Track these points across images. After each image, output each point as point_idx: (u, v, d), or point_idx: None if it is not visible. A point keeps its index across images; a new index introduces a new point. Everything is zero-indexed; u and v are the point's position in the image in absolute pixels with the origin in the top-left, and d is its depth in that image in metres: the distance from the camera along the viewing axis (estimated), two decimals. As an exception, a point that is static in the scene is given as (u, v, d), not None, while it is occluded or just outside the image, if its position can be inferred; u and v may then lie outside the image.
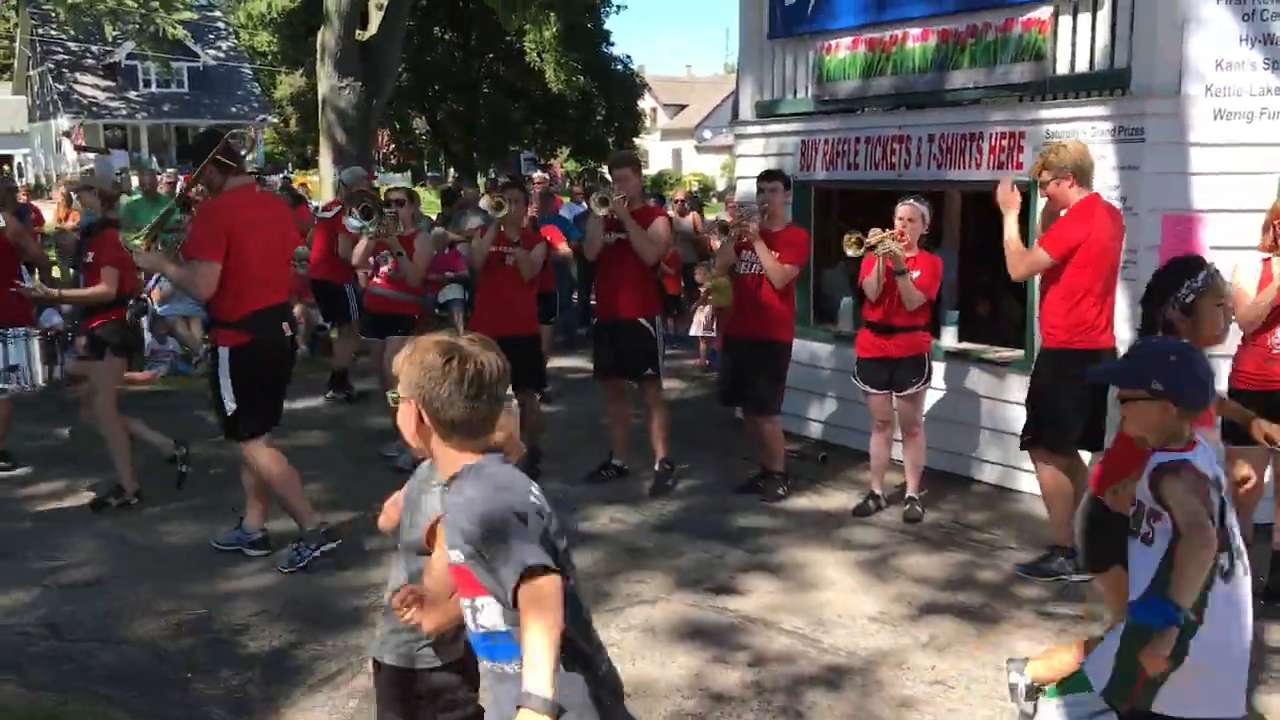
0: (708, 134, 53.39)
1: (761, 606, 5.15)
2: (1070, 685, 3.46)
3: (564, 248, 10.00)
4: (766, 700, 4.26)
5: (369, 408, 9.01)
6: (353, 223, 7.63)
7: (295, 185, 19.16)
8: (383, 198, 8.79)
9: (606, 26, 37.80)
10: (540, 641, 2.25)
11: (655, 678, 4.43)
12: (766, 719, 4.15)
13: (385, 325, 7.99)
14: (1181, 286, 3.76)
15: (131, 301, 6.73)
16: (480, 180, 25.63)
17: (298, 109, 39.70)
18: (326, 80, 15.41)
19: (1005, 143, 6.63)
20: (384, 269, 7.96)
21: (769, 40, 8.37)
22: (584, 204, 11.04)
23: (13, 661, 4.56)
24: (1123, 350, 5.92)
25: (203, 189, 5.74)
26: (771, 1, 8.22)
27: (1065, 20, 6.44)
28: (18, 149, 43.60)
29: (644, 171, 10.11)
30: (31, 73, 46.04)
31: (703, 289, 11.24)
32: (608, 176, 7.71)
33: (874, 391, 6.37)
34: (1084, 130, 6.16)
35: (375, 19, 15.57)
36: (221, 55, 46.85)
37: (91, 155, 30.11)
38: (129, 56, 42.70)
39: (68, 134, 41.05)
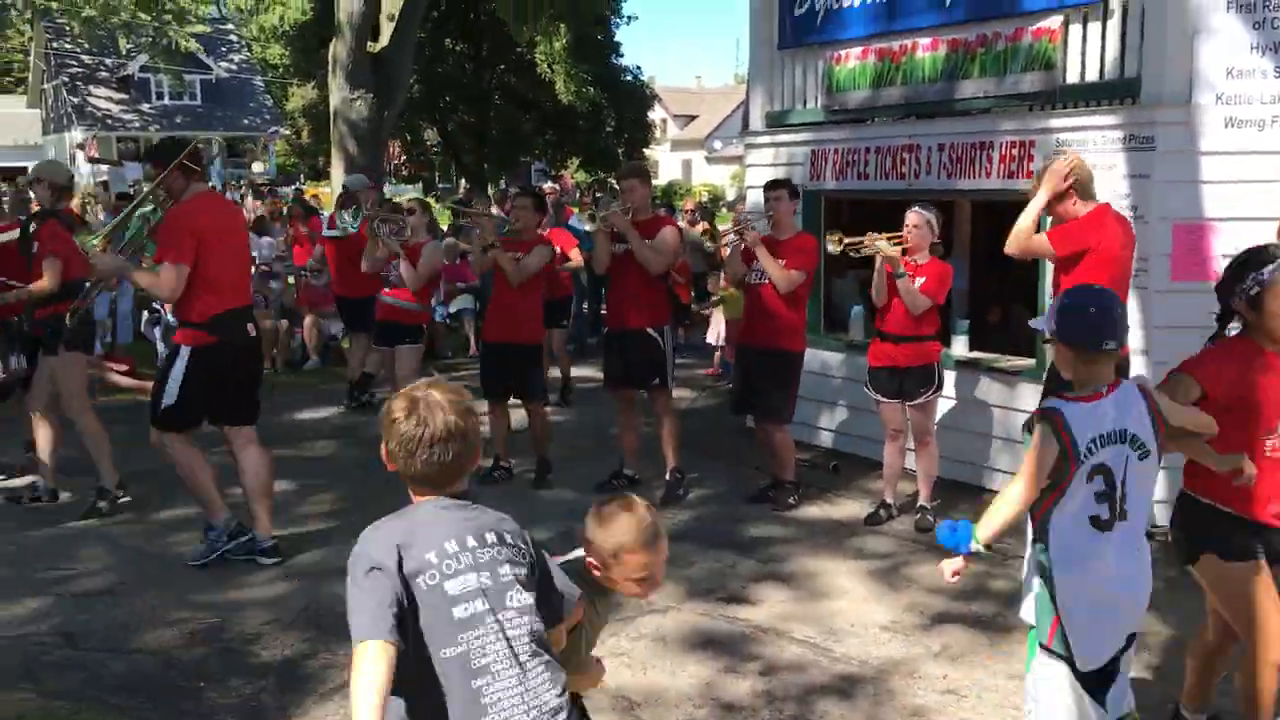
0: (718, 144, 53.42)
1: (773, 616, 5.14)
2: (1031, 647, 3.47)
3: (575, 255, 10.03)
4: (778, 709, 4.26)
5: (380, 417, 9.01)
6: (345, 217, 8.46)
7: (307, 196, 19.25)
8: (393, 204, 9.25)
9: (617, 38, 37.88)
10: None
11: (666, 687, 4.43)
12: (778, 728, 4.14)
13: (395, 334, 8.04)
14: (1246, 279, 3.61)
15: (78, 299, 6.51)
16: (490, 190, 25.65)
17: (309, 121, 39.86)
18: (338, 92, 15.47)
19: (1015, 152, 6.63)
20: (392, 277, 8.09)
21: (779, 51, 8.39)
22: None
23: (27, 670, 4.58)
24: (1135, 360, 5.92)
25: (164, 194, 5.82)
26: (781, 12, 8.25)
27: (1075, 29, 6.43)
28: (31, 162, 43.76)
29: (654, 182, 10.14)
30: (45, 86, 46.29)
31: (712, 299, 11.28)
32: (617, 188, 7.76)
33: (885, 400, 6.38)
34: (1094, 139, 6.16)
35: (386, 31, 15.63)
36: (234, 68, 47.07)
37: (105, 167, 30.25)
38: (142, 69, 42.94)
39: (81, 146, 41.23)
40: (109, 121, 42.75)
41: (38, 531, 6.38)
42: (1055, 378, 5.37)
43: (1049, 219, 5.42)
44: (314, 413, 9.53)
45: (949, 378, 6.73)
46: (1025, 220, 5.31)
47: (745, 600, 5.32)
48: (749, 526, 6.40)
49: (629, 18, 45.99)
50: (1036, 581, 3.25)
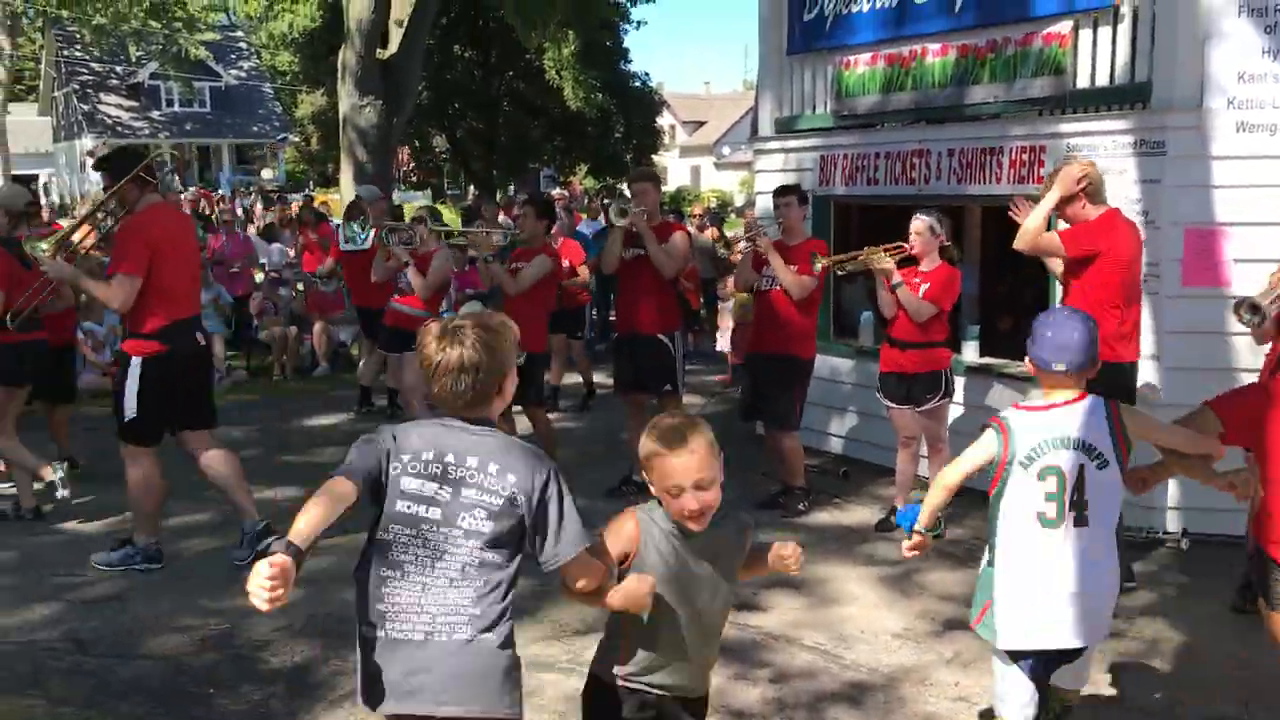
0: (726, 150, 53.43)
1: (783, 623, 5.12)
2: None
3: (584, 271, 10.01)
4: (788, 717, 4.24)
5: (390, 422, 9.02)
6: (354, 227, 8.73)
7: (317, 203, 19.31)
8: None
9: (625, 44, 37.82)
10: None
11: (676, 694, 4.40)
12: (788, 736, 4.13)
13: (402, 340, 8.05)
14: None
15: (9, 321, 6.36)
16: (499, 197, 25.68)
17: (319, 127, 39.96)
18: (347, 99, 15.50)
19: (1025, 157, 6.61)
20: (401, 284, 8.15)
21: (788, 56, 8.39)
22: (602, 219, 11.06)
23: (36, 676, 4.58)
24: (1146, 365, 5.90)
25: (117, 204, 5.83)
26: (790, 18, 8.24)
27: (1085, 34, 6.41)
28: (43, 169, 44.07)
29: (663, 188, 10.12)
30: (56, 94, 46.55)
31: (725, 305, 11.27)
32: (627, 193, 7.75)
33: (894, 406, 6.37)
34: (1105, 144, 6.14)
35: (396, 38, 15.65)
36: (243, 75, 47.30)
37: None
38: (152, 77, 43.20)
39: (92, 154, 41.44)
40: (119, 129, 42.95)
41: (47, 537, 6.39)
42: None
43: (1058, 220, 5.40)
44: (323, 419, 9.54)
45: (960, 383, 6.70)
46: (1035, 219, 5.30)
47: (755, 607, 5.29)
48: (759, 533, 6.34)
49: (638, 23, 45.90)
50: (983, 567, 3.50)
